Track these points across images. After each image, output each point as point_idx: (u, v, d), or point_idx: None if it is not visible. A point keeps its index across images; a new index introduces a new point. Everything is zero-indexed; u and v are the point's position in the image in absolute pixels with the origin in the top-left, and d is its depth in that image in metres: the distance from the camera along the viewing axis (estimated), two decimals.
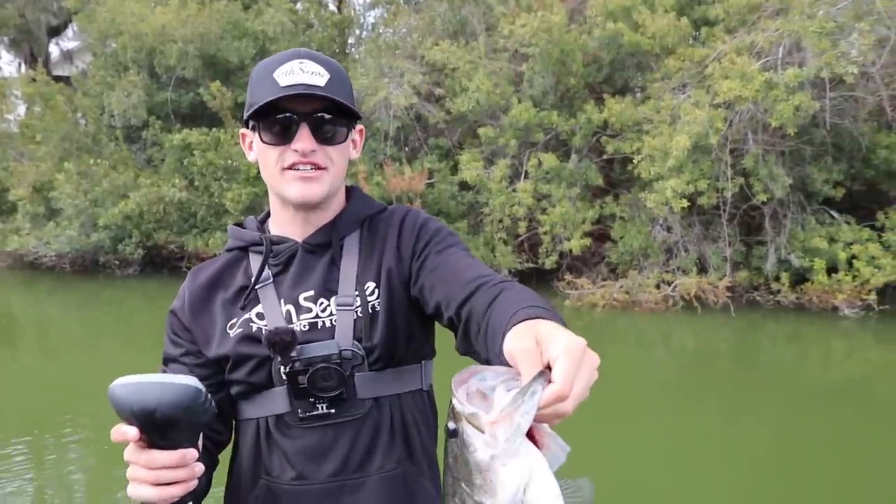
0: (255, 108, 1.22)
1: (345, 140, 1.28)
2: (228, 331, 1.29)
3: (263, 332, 1.24)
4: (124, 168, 13.93)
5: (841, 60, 8.55)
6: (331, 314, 1.27)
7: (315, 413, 1.24)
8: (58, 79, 17.67)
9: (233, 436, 1.37)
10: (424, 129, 13.18)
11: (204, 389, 0.98)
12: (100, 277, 13.90)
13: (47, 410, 6.28)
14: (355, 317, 1.27)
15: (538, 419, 0.73)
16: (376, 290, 1.29)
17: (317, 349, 1.21)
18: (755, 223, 10.77)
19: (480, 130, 11.97)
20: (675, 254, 10.91)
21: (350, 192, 1.41)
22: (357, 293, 1.28)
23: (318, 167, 1.24)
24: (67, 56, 23.60)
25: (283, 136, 1.23)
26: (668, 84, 10.53)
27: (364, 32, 16.12)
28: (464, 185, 12.22)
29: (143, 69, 14.49)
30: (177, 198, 13.14)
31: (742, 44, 9.75)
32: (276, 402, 1.26)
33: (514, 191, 11.52)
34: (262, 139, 1.24)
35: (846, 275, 9.66)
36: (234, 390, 1.30)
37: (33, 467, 5.05)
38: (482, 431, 0.71)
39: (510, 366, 0.81)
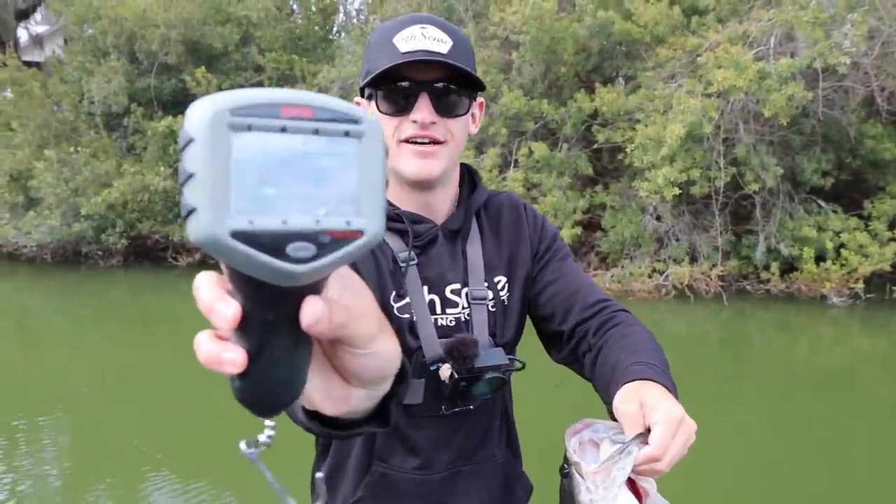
0: (373, 75, 1.15)
1: (466, 112, 1.21)
2: (394, 304, 1.21)
3: (411, 322, 1.20)
4: (105, 156, 13.62)
5: (834, 51, 8.63)
6: (463, 307, 1.24)
7: (457, 410, 1.23)
8: (28, 64, 17.19)
9: None
10: None
11: None
12: (82, 268, 13.62)
13: (27, 401, 6.18)
14: (488, 311, 1.24)
15: (638, 472, 0.86)
16: (506, 285, 1.27)
17: (488, 358, 1.18)
18: (744, 212, 10.87)
19: None
20: (665, 243, 10.99)
21: (468, 171, 1.35)
22: (487, 285, 1.25)
23: (436, 141, 1.18)
24: (37, 41, 22.97)
25: (402, 105, 1.17)
26: (660, 73, 10.55)
27: (349, 19, 15.94)
28: None
29: (123, 55, 14.17)
30: (161, 186, 12.89)
31: (735, 33, 9.80)
32: (409, 392, 1.22)
33: (504, 180, 11.50)
34: (378, 108, 1.18)
35: (834, 263, 9.81)
36: None
37: (9, 458, 4.99)
38: (584, 479, 0.85)
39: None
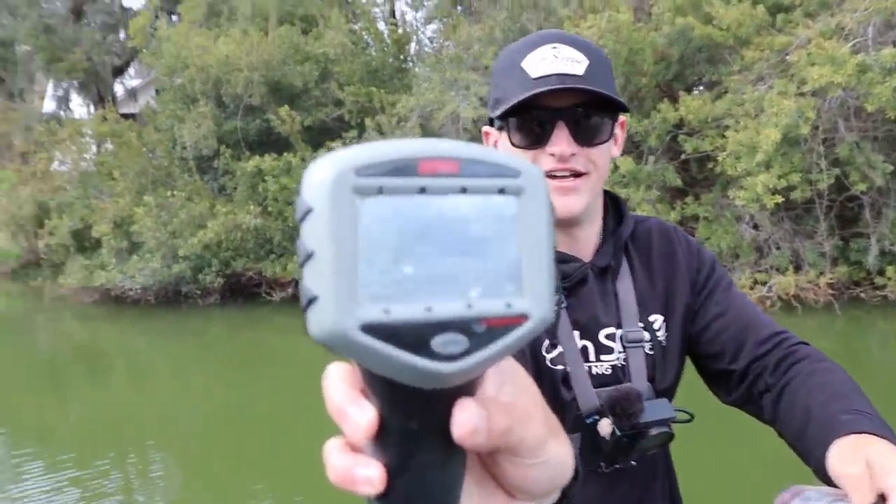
0: (504, 107, 1.04)
1: (608, 139, 1.09)
2: (546, 354, 1.11)
3: (564, 373, 1.09)
4: (199, 198, 14.20)
5: None
6: (619, 351, 1.12)
7: (618, 466, 1.11)
8: (125, 116, 18.24)
9: None
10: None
11: None
12: (182, 308, 14.19)
13: (135, 439, 6.42)
14: (644, 354, 1.12)
15: None
16: (664, 325, 1.14)
17: (654, 411, 1.06)
18: (851, 215, 10.23)
19: None
20: (765, 252, 10.46)
21: (612, 199, 1.22)
22: (643, 326, 1.13)
23: (577, 174, 1.06)
24: (132, 94, 24.38)
25: (537, 136, 1.06)
26: (747, 76, 10.11)
27: (422, 47, 16.12)
28: None
29: (210, 100, 14.79)
30: (252, 224, 13.31)
31: (827, 27, 9.29)
32: None
33: None
34: (511, 141, 1.07)
35: None
36: None
37: (123, 492, 5.18)
38: None
39: (832, 482, 0.79)
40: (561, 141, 1.04)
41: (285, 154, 13.53)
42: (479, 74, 12.76)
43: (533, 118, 1.04)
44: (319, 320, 0.30)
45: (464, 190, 0.31)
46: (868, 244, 9.81)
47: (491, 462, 0.38)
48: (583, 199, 1.08)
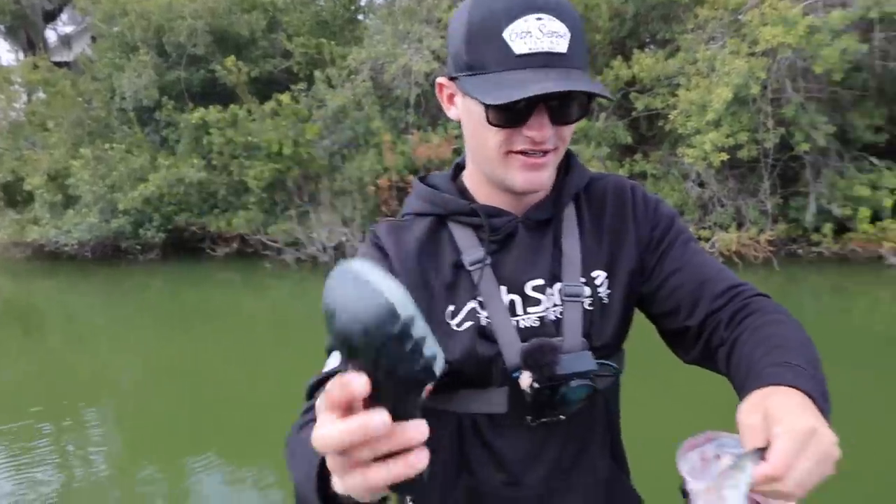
0: (496, 100, 0.95)
1: (583, 115, 1.03)
2: (450, 321, 1.08)
3: (486, 327, 1.06)
4: (140, 151, 13.68)
5: None
6: (555, 304, 1.08)
7: (546, 420, 1.08)
8: (58, 64, 17.34)
9: None
10: None
11: None
12: (122, 264, 13.75)
13: (74, 393, 6.23)
14: (583, 310, 1.09)
15: (766, 495, 0.74)
16: (606, 281, 1.11)
17: (572, 364, 1.03)
18: (792, 174, 10.55)
19: None
20: (710, 209, 10.72)
21: (566, 157, 1.16)
22: (584, 281, 1.09)
23: (547, 150, 1.02)
24: (65, 41, 23.16)
25: (515, 118, 0.99)
26: (700, 35, 10.23)
27: None
28: None
29: (151, 48, 14.17)
30: (196, 178, 12.91)
31: None
32: (492, 401, 1.09)
33: None
34: (488, 119, 0.99)
35: (892, 221, 9.47)
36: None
37: (57, 443, 5.04)
38: (695, 498, 0.76)
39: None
40: (540, 125, 0.98)
41: (231, 106, 13.10)
42: (433, 27, 12.55)
43: (517, 101, 0.96)
44: None
45: None
46: (806, 202, 10.15)
47: None
48: (550, 172, 1.05)
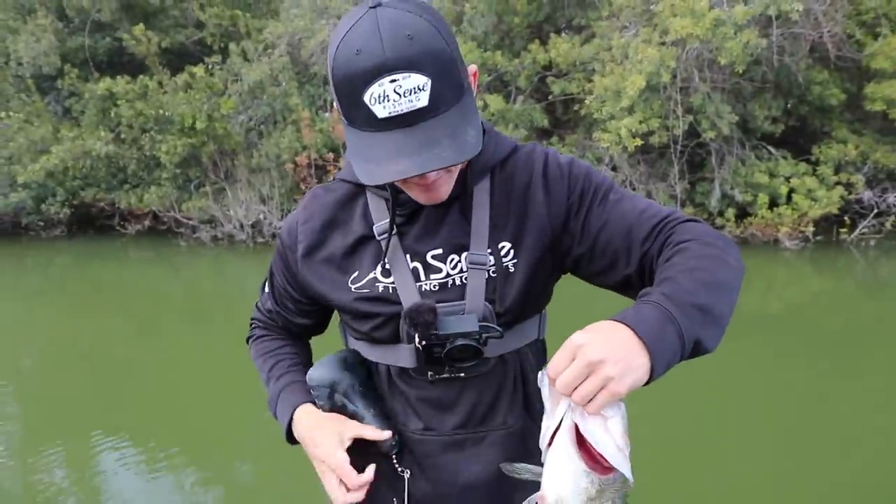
0: (371, 180, 1.00)
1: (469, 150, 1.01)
2: (351, 285, 1.22)
3: (391, 291, 1.19)
4: (40, 121, 12.92)
5: None
6: (461, 271, 1.18)
7: (444, 376, 1.23)
8: None
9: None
10: None
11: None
12: (23, 240, 13.04)
13: None
14: (487, 276, 1.18)
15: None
16: (511, 251, 1.19)
17: (456, 325, 1.14)
18: (698, 160, 11.04)
19: None
20: None
21: (482, 132, 1.19)
22: (490, 251, 1.18)
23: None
24: None
25: (391, 184, 1.13)
26: (615, 23, 10.50)
27: None
28: None
29: (50, 11, 13.36)
30: (104, 152, 12.32)
31: None
32: (400, 356, 1.23)
33: None
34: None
35: (787, 208, 10.09)
36: (353, 335, 1.31)
37: None
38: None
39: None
40: (420, 179, 1.06)
41: (141, 77, 12.53)
42: (352, 4, 12.36)
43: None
44: None
45: None
46: (712, 188, 10.67)
47: None
48: (448, 186, 1.12)
